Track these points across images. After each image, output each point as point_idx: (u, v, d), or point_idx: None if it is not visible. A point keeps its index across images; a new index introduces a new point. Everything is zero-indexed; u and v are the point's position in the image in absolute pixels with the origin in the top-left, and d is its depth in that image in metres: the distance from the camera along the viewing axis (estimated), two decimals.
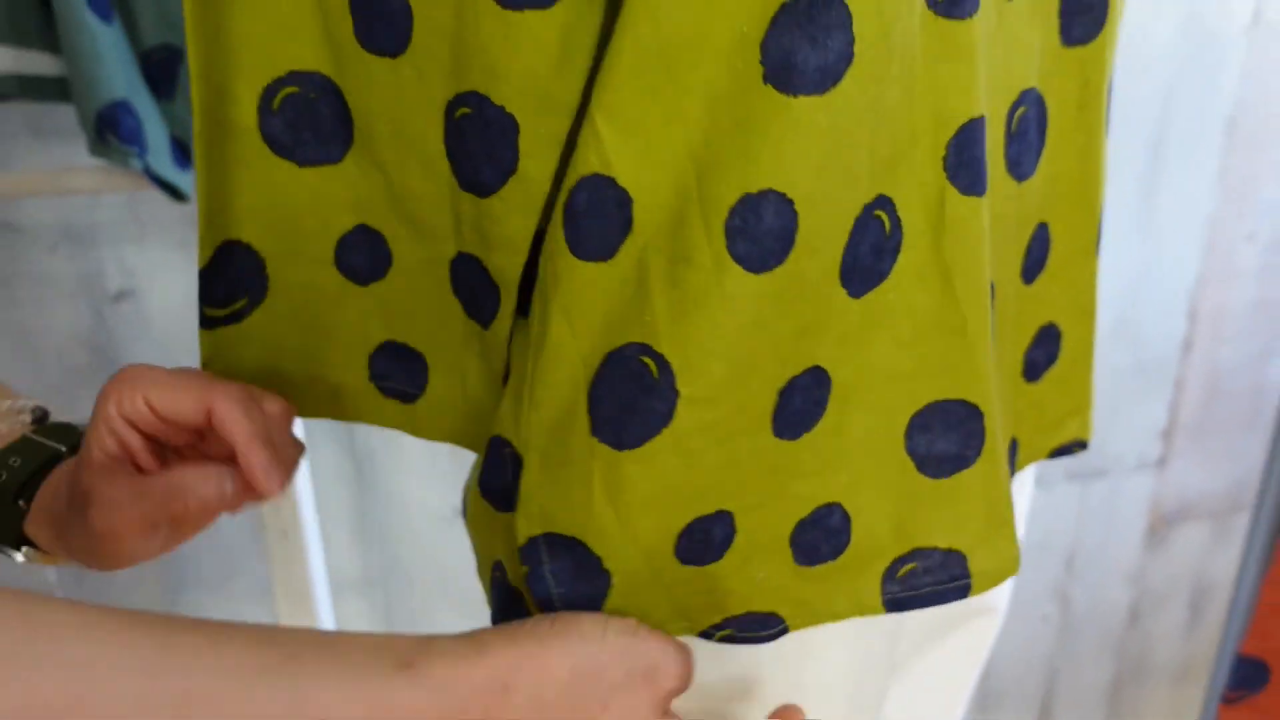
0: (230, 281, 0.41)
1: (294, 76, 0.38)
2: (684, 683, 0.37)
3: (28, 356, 0.94)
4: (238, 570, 1.05)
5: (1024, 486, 0.58)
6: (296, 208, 0.40)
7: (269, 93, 0.38)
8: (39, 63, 0.67)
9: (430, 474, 1.03)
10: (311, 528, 0.87)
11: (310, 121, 0.38)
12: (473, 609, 1.12)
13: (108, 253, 0.90)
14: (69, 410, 0.48)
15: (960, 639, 0.64)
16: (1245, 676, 0.61)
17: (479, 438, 0.42)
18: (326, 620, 0.91)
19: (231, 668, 0.30)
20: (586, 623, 0.36)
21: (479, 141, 0.35)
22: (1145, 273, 1.16)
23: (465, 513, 0.45)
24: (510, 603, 0.40)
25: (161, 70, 0.69)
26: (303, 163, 0.39)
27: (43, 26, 0.65)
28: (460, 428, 0.43)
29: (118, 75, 0.66)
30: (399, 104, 0.37)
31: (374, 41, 0.36)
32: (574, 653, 0.35)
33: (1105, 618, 1.39)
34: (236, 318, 0.42)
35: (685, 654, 0.37)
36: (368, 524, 1.07)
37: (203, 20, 0.37)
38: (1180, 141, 1.10)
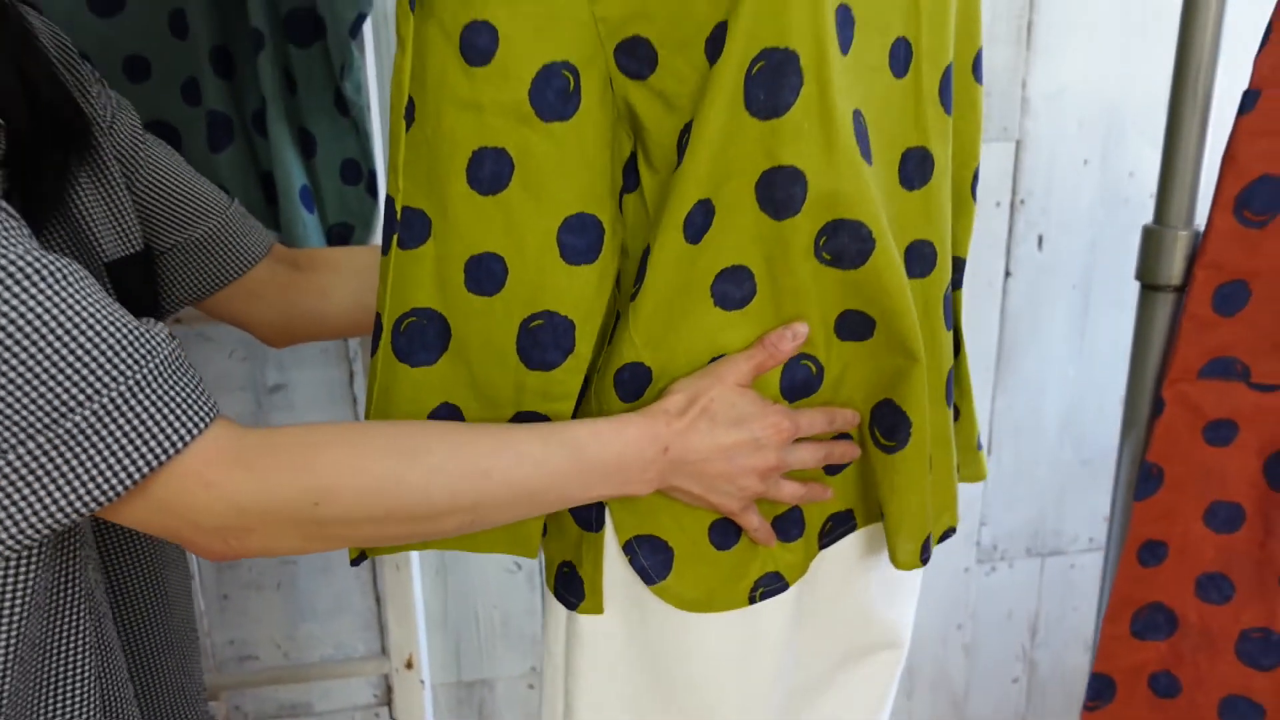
0: None
1: (415, 311, 0.57)
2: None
3: None
4: (346, 607, 1.28)
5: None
6: (402, 392, 0.59)
7: (398, 322, 0.57)
8: None
9: None
10: (417, 564, 1.10)
11: (421, 339, 0.57)
12: (526, 648, 1.34)
13: (269, 356, 1.18)
14: None
15: (866, 671, 0.73)
16: (1098, 690, 0.83)
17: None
18: (422, 645, 1.14)
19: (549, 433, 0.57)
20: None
21: (550, 338, 0.56)
22: (1083, 390, 1.34)
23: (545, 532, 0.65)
24: (569, 584, 0.63)
25: (341, 239, 0.98)
26: (412, 365, 0.58)
27: (268, 216, 0.96)
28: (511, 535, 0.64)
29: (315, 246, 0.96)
30: (486, 324, 0.56)
31: (478, 288, 0.55)
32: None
33: (1068, 679, 1.52)
34: None
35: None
36: (450, 567, 1.28)
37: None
38: (1104, 285, 1.31)
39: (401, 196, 0.55)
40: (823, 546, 0.67)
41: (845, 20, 0.53)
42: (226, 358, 1.18)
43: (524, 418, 0.59)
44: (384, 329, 0.58)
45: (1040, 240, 1.26)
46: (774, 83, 0.51)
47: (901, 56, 0.57)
